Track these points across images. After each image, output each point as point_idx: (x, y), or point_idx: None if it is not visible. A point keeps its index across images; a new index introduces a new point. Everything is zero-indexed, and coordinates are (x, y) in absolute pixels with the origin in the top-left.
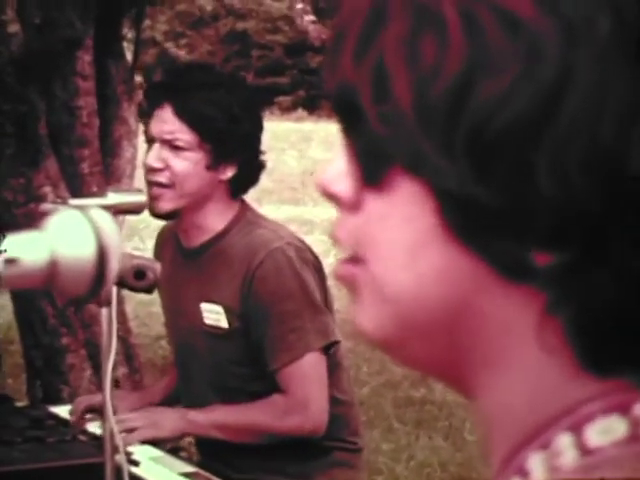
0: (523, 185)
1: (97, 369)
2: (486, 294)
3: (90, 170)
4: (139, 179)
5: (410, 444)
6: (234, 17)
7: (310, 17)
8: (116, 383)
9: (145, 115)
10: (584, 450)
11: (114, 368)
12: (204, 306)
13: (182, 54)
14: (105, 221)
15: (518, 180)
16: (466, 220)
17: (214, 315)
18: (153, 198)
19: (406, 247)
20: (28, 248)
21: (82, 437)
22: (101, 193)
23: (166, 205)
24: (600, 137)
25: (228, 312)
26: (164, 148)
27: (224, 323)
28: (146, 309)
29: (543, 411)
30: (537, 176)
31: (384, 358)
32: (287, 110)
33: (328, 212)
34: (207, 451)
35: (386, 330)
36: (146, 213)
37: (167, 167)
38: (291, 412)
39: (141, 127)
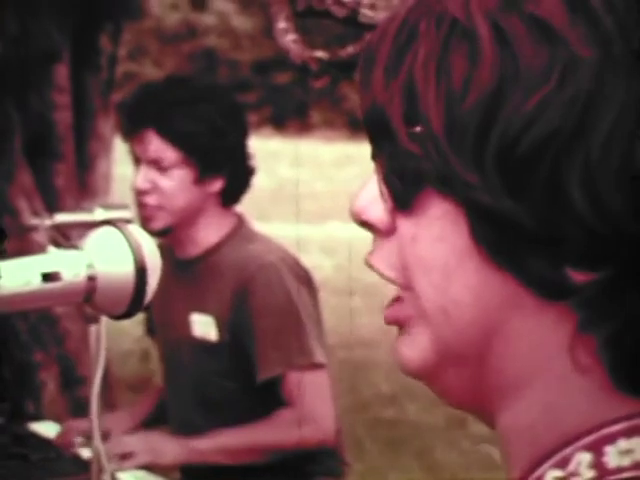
0: (555, 202)
1: (67, 385)
2: (519, 314)
3: (65, 184)
4: (114, 194)
5: (381, 465)
6: (199, 34)
7: (292, 36)
8: (86, 400)
9: (128, 135)
10: (602, 470)
11: (88, 385)
12: (194, 317)
13: (149, 72)
14: (143, 239)
15: (550, 197)
16: (498, 239)
17: (203, 326)
18: (144, 219)
19: (439, 268)
20: (66, 264)
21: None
22: (80, 207)
23: (157, 224)
24: (634, 154)
25: (218, 323)
26: (150, 169)
27: (213, 335)
28: (116, 325)
29: (565, 430)
30: (569, 193)
31: (354, 377)
32: (254, 127)
33: (295, 230)
34: (189, 472)
35: (424, 357)
36: None
37: (155, 188)
38: (301, 424)
39: (116, 142)
